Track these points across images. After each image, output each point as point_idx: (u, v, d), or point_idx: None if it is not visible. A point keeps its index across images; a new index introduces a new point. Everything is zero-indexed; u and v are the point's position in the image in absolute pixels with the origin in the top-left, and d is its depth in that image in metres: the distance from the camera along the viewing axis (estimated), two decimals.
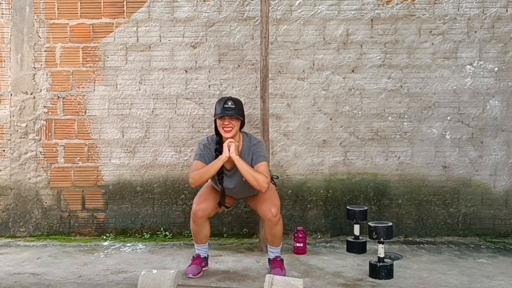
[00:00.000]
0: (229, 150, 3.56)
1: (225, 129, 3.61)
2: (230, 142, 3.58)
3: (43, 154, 4.88)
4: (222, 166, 3.63)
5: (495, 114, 4.80)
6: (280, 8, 4.78)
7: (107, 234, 4.85)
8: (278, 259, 3.78)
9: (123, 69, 4.85)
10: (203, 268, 3.84)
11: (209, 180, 3.82)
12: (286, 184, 4.81)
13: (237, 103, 3.67)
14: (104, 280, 3.67)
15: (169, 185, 4.87)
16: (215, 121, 3.71)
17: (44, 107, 4.87)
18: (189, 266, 3.80)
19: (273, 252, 3.82)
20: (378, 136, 4.81)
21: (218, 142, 3.69)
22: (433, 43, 4.78)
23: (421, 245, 4.61)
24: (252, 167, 3.61)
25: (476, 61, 4.78)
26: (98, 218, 4.89)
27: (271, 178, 3.87)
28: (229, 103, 3.61)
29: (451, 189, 4.81)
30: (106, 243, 4.65)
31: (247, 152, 3.69)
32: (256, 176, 3.55)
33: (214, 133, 3.80)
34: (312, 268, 3.95)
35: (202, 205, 3.73)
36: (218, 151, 3.66)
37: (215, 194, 3.80)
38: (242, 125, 3.72)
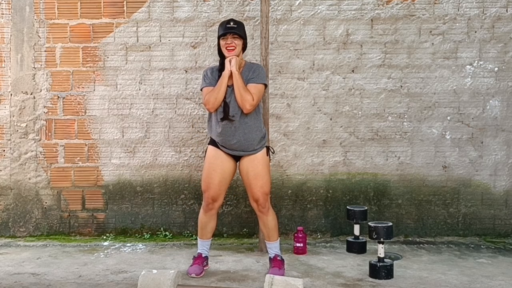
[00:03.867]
0: (230, 64, 3.66)
1: (228, 48, 3.71)
2: (231, 57, 3.68)
3: (43, 154, 4.88)
4: None
5: (495, 114, 4.80)
6: (280, 8, 4.78)
7: (107, 234, 4.85)
8: (278, 258, 3.78)
9: (123, 69, 4.85)
10: (204, 268, 3.85)
11: (207, 154, 3.84)
12: (286, 184, 4.81)
13: (239, 24, 3.80)
14: (104, 280, 3.68)
15: (169, 185, 4.87)
16: (218, 44, 3.80)
17: (44, 107, 4.87)
18: (191, 266, 3.81)
19: (272, 248, 3.82)
20: (378, 136, 4.81)
21: (221, 64, 3.77)
22: (433, 43, 4.78)
23: (421, 245, 4.61)
24: (247, 84, 3.69)
25: (476, 61, 4.78)
26: (98, 218, 4.89)
27: (267, 150, 3.85)
28: (231, 23, 3.75)
29: (451, 189, 4.81)
30: (106, 243, 4.65)
31: (247, 70, 3.76)
32: (244, 94, 3.63)
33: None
34: (312, 268, 3.95)
35: (213, 193, 3.76)
36: (221, 72, 3.72)
37: (218, 169, 3.77)
38: (244, 47, 3.81)
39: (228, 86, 3.69)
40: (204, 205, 3.83)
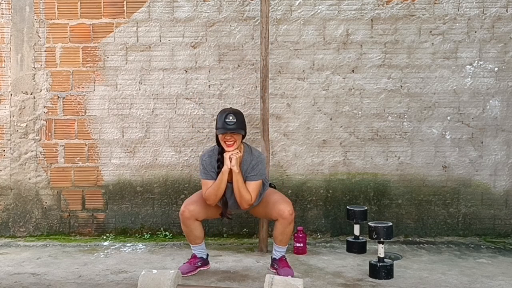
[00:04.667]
0: (230, 162, 3.58)
1: (227, 143, 3.62)
2: (232, 154, 3.59)
3: (43, 154, 4.88)
4: None
5: (495, 114, 4.80)
6: (280, 8, 4.78)
7: (107, 234, 4.85)
8: (284, 258, 3.80)
9: (123, 69, 4.85)
10: (202, 268, 3.85)
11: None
12: (286, 184, 4.81)
13: (238, 116, 3.64)
14: (104, 280, 3.68)
15: (169, 185, 4.87)
16: (216, 135, 3.70)
17: (44, 107, 4.87)
18: (184, 263, 3.85)
19: (279, 252, 3.82)
20: (378, 136, 4.81)
21: (220, 153, 3.69)
22: (433, 43, 4.78)
23: (421, 245, 4.61)
24: (245, 180, 3.65)
25: (476, 61, 4.78)
26: (98, 218, 4.89)
27: (270, 185, 3.95)
28: (230, 117, 3.59)
29: (451, 189, 4.81)
30: (106, 243, 4.65)
31: (246, 164, 3.70)
32: (243, 194, 3.61)
33: (212, 137, 3.83)
34: (312, 268, 3.95)
35: (190, 206, 3.74)
36: (220, 162, 3.67)
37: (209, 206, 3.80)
38: (243, 137, 3.71)
39: (229, 182, 3.65)
40: (180, 213, 3.77)
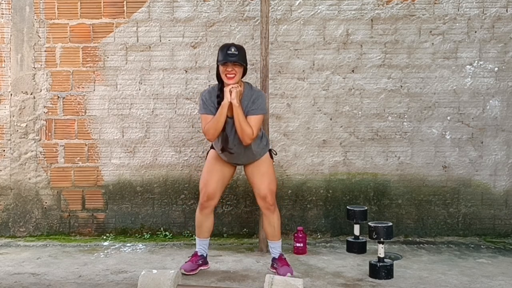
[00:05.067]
0: (230, 95, 3.55)
1: (228, 75, 3.59)
2: (232, 87, 3.56)
3: (43, 154, 4.88)
4: None
5: (495, 114, 4.80)
6: (280, 8, 4.78)
7: (107, 234, 4.85)
8: (283, 257, 3.81)
9: (123, 69, 4.85)
10: (202, 267, 3.85)
11: (208, 155, 3.88)
12: (286, 184, 4.81)
13: (240, 49, 3.66)
14: (104, 280, 3.68)
15: (169, 185, 4.87)
16: (217, 67, 3.70)
17: (44, 107, 4.87)
18: (185, 262, 3.84)
19: (275, 248, 3.83)
20: (378, 136, 4.81)
21: (220, 89, 3.67)
22: (433, 43, 4.78)
23: (421, 245, 4.61)
24: (246, 116, 3.62)
25: (476, 61, 4.78)
26: (98, 218, 4.89)
27: (270, 152, 3.88)
28: (233, 49, 3.59)
29: (451, 189, 4.81)
30: (106, 243, 4.65)
31: (247, 99, 3.67)
32: (244, 127, 3.56)
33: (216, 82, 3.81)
34: (312, 268, 3.95)
35: (209, 188, 3.76)
36: (220, 98, 3.64)
37: (217, 169, 3.80)
38: (244, 72, 3.70)
39: (227, 116, 3.62)
40: (199, 203, 3.84)
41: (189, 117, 4.84)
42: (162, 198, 4.87)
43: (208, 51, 4.80)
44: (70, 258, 4.22)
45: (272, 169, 3.85)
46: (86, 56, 4.85)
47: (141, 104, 4.86)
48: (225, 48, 3.63)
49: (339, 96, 4.80)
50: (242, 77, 3.70)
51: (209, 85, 4.00)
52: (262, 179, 3.76)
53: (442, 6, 4.76)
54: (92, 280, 3.68)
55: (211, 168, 3.82)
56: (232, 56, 3.57)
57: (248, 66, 4.72)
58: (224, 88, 3.59)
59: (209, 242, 3.94)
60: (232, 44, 3.67)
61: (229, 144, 3.70)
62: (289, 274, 3.60)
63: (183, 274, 3.67)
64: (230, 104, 3.56)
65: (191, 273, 3.75)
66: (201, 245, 3.90)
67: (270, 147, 3.94)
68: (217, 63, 3.69)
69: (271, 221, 3.80)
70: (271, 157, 3.90)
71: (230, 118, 3.63)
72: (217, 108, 3.62)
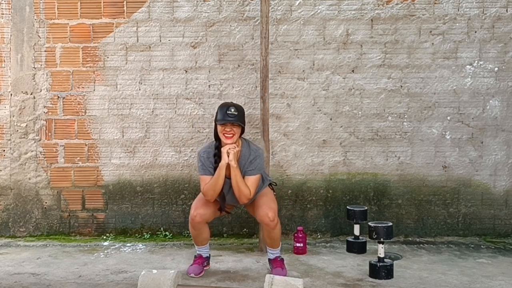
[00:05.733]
0: (228, 156, 3.56)
1: (226, 135, 3.60)
2: (230, 148, 3.57)
3: (43, 154, 4.88)
4: None
5: (495, 114, 4.80)
6: (280, 8, 4.78)
7: (107, 234, 4.85)
8: (279, 258, 3.79)
9: (123, 69, 4.85)
10: (205, 268, 3.85)
11: None
12: (286, 184, 4.81)
13: (239, 110, 3.66)
14: (104, 280, 3.68)
15: (169, 185, 4.87)
16: (215, 126, 3.70)
17: (44, 107, 4.87)
18: (191, 265, 3.82)
19: (273, 253, 3.82)
20: (378, 136, 4.81)
21: (217, 147, 3.68)
22: (433, 43, 4.78)
23: (421, 245, 4.61)
24: (243, 175, 3.63)
25: (476, 61, 4.78)
26: (98, 218, 4.89)
27: (270, 184, 3.92)
28: (232, 110, 3.60)
29: (451, 189, 4.81)
30: (106, 243, 4.65)
31: (244, 159, 3.69)
32: (242, 188, 3.59)
33: (213, 138, 3.81)
34: (312, 268, 3.95)
35: (200, 210, 3.72)
36: (217, 156, 3.65)
37: (213, 204, 3.79)
38: (242, 132, 3.70)
39: (227, 177, 3.62)
40: (190, 218, 3.75)
41: (189, 117, 4.84)
42: (162, 198, 4.87)
43: (208, 51, 4.80)
44: (70, 258, 4.22)
45: (273, 196, 3.84)
46: (86, 56, 4.85)
47: (141, 104, 4.86)
48: (224, 107, 3.63)
49: (339, 96, 4.80)
50: (240, 135, 3.70)
51: (204, 145, 4.05)
52: (263, 201, 3.72)
53: (442, 6, 4.76)
54: (92, 280, 3.68)
55: (205, 200, 3.75)
56: (232, 116, 3.58)
57: (248, 66, 4.76)
58: (222, 149, 3.59)
59: (208, 246, 3.93)
60: (232, 104, 3.66)
61: (226, 202, 3.74)
62: (280, 276, 3.58)
63: (191, 278, 3.68)
64: (228, 165, 3.57)
65: (200, 275, 3.74)
66: (202, 250, 3.89)
67: (270, 181, 3.93)
68: (215, 122, 3.69)
69: (271, 235, 3.73)
70: (272, 189, 3.92)
71: (227, 178, 3.64)
72: (215, 168, 3.63)
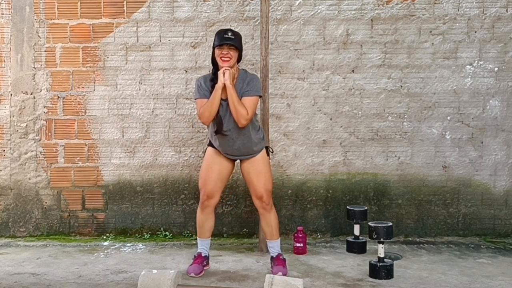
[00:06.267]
0: (224, 77, 3.60)
1: (223, 58, 3.65)
2: (225, 69, 3.62)
3: (43, 154, 4.88)
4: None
5: (495, 114, 4.80)
6: (280, 8, 4.78)
7: (107, 234, 4.85)
8: (281, 257, 3.80)
9: (123, 69, 4.85)
10: (205, 267, 3.85)
11: (206, 153, 3.89)
12: (286, 184, 4.81)
13: (237, 35, 3.74)
14: (104, 280, 3.68)
15: (169, 185, 4.87)
16: (213, 52, 3.74)
17: (44, 107, 4.87)
18: (190, 265, 3.82)
19: (274, 247, 3.83)
20: (378, 136, 4.81)
21: (214, 73, 3.72)
22: (433, 43, 4.78)
23: (421, 245, 4.61)
24: (241, 97, 3.65)
25: (476, 61, 4.78)
26: (98, 218, 4.89)
27: (266, 150, 3.88)
28: (229, 34, 3.68)
29: (451, 189, 4.81)
30: (106, 243, 4.65)
31: (241, 82, 3.71)
32: (239, 109, 3.59)
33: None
34: (312, 268, 3.95)
35: (207, 187, 3.78)
36: (214, 81, 3.68)
37: (216, 167, 3.81)
38: (239, 58, 3.76)
39: (222, 99, 3.65)
40: (200, 202, 3.85)
41: (189, 117, 4.84)
42: (162, 198, 4.87)
43: (208, 51, 4.80)
44: (70, 258, 4.22)
45: (268, 168, 3.86)
46: (86, 56, 4.85)
47: (141, 104, 4.86)
48: (222, 32, 3.72)
49: (339, 96, 4.80)
50: (237, 63, 3.76)
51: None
52: (258, 178, 3.77)
53: (442, 6, 4.76)
54: (92, 280, 3.68)
55: (209, 166, 3.83)
56: (229, 39, 3.65)
57: (248, 66, 4.76)
58: (218, 72, 3.65)
59: (210, 242, 3.95)
60: (229, 29, 3.76)
61: (223, 126, 3.71)
62: (280, 273, 3.59)
63: (191, 278, 3.68)
64: (225, 87, 3.60)
65: (200, 275, 3.75)
66: (203, 245, 3.90)
67: (267, 145, 3.93)
68: (213, 47, 3.74)
69: (268, 221, 3.81)
70: (268, 154, 3.90)
71: (224, 100, 3.66)
72: (211, 92, 3.66)
